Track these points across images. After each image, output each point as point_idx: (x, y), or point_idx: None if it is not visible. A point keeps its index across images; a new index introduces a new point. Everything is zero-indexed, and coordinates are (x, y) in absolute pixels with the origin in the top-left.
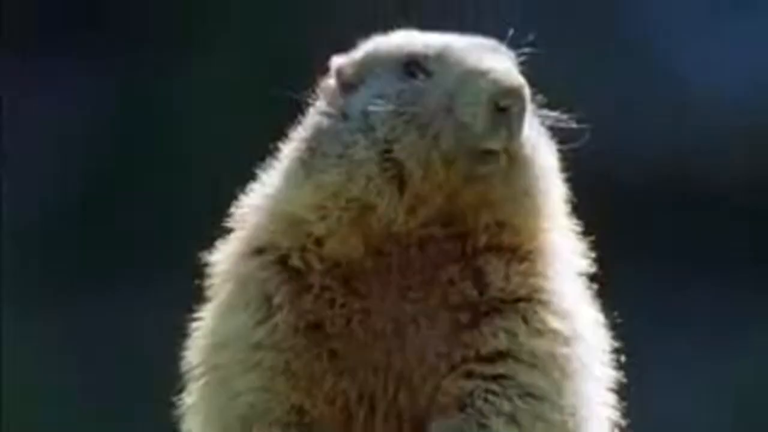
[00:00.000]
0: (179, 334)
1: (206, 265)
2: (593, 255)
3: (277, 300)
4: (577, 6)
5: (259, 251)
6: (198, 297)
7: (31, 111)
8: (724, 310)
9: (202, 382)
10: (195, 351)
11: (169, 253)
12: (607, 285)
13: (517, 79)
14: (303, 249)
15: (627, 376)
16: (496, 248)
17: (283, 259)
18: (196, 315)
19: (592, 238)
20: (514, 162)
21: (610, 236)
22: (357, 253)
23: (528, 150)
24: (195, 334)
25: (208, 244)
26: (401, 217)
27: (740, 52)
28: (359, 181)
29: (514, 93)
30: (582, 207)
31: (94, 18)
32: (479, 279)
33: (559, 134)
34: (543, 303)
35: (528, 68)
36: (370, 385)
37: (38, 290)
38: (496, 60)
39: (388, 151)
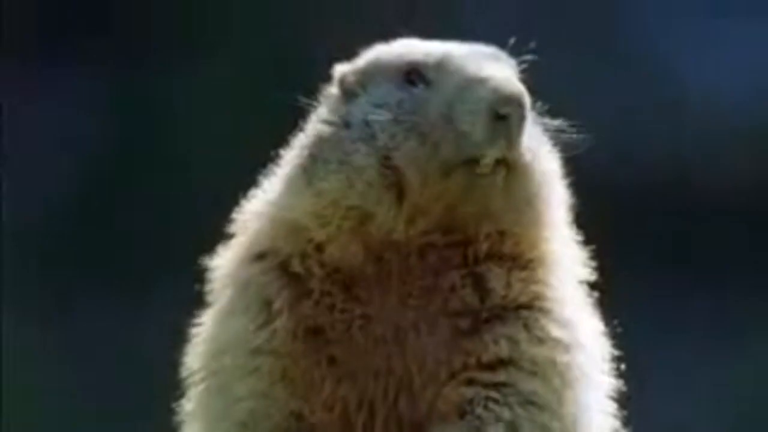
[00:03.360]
0: (180, 338)
1: (207, 269)
2: (593, 263)
3: (276, 305)
4: (575, 13)
5: (259, 256)
6: (199, 300)
7: (31, 114)
8: (724, 316)
9: (201, 387)
10: (195, 356)
11: (170, 257)
12: (607, 293)
13: (517, 87)
14: (303, 255)
15: (627, 384)
16: (497, 256)
17: (283, 265)
18: (196, 320)
19: (592, 246)
20: (514, 171)
21: (610, 244)
22: (357, 259)
23: (528, 159)
24: (195, 340)
25: (209, 247)
26: (401, 225)
27: (739, 55)
28: (359, 189)
29: (513, 101)
30: (582, 214)
31: (94, 22)
32: (480, 286)
33: (559, 142)
34: (544, 311)
35: (528, 75)
36: (370, 392)
37: (38, 293)
38: (496, 68)
39: (387, 158)
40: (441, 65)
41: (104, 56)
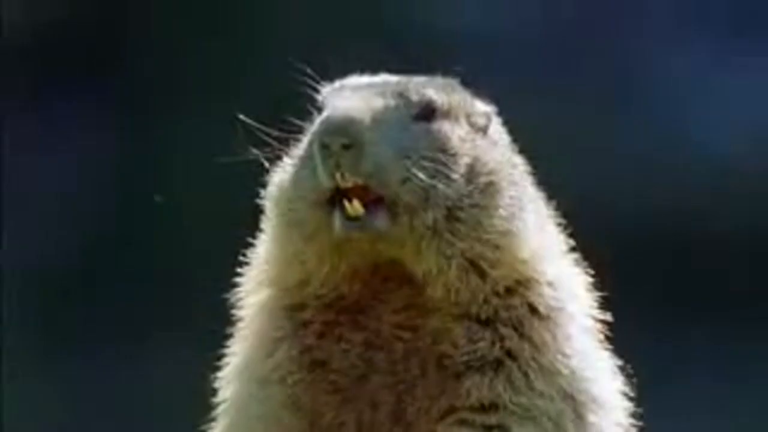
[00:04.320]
0: (180, 388)
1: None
2: (599, 315)
3: (279, 334)
4: (580, 59)
5: (263, 287)
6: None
7: (31, 159)
8: (724, 354)
9: (219, 411)
10: (219, 383)
11: (169, 309)
12: (608, 330)
13: (344, 115)
14: (300, 286)
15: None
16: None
17: (284, 296)
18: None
19: (595, 286)
20: (396, 205)
21: (610, 282)
22: (345, 288)
23: (411, 196)
24: (223, 369)
25: (209, 293)
26: (344, 285)
27: (739, 105)
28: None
29: (330, 130)
30: (583, 256)
31: (94, 68)
32: (467, 337)
33: (558, 183)
34: (532, 360)
35: (529, 120)
36: (368, 418)
37: (38, 346)
38: (351, 99)
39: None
40: (324, 101)
41: (106, 103)
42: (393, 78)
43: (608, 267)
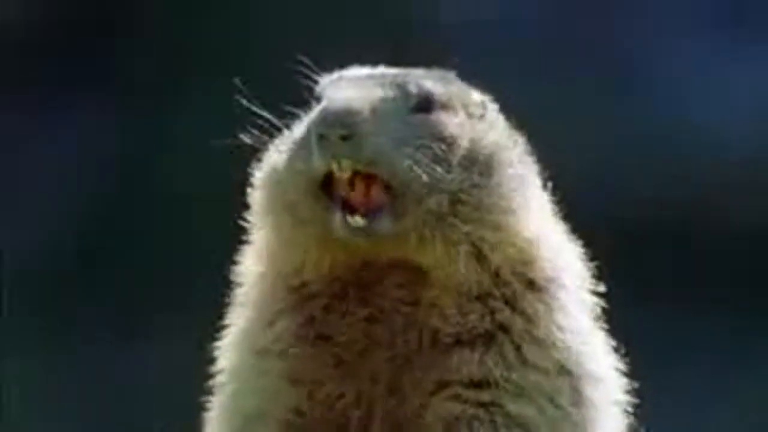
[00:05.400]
0: (180, 375)
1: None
2: (595, 290)
3: (281, 306)
4: (579, 43)
5: (262, 265)
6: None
7: (31, 150)
8: (725, 344)
9: (217, 382)
10: (218, 355)
11: (170, 295)
12: (607, 320)
13: (341, 106)
14: (297, 270)
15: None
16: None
17: (284, 278)
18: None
19: (597, 276)
20: (402, 200)
21: (611, 272)
22: (339, 271)
23: (415, 182)
24: (223, 340)
25: (210, 284)
26: (341, 270)
27: (742, 89)
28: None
29: (327, 121)
30: (583, 242)
31: (94, 54)
32: (460, 309)
33: (558, 168)
34: (531, 334)
35: (530, 105)
36: (368, 392)
37: (38, 333)
38: (349, 90)
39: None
40: (324, 92)
41: (105, 93)
42: (391, 70)
43: (608, 252)
